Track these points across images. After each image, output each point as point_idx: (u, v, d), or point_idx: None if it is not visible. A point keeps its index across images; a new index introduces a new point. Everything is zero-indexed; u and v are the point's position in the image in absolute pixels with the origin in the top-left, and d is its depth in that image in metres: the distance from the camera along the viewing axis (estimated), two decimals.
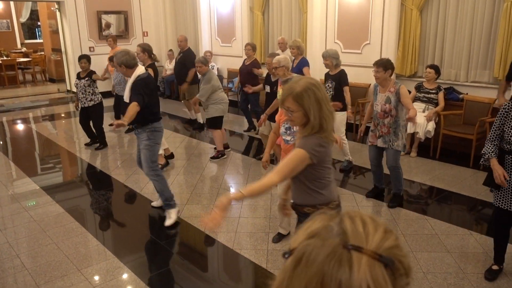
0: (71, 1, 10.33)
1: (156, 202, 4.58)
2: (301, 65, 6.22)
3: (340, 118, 5.29)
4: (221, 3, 9.82)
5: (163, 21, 11.56)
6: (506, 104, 3.04)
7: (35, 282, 3.29)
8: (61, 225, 4.27)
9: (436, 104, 5.89)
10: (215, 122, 5.93)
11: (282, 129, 3.57)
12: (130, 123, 3.96)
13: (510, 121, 2.99)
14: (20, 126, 8.61)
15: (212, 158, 6.07)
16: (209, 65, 5.90)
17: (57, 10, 10.82)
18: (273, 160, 4.77)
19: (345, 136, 5.50)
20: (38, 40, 16.37)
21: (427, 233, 3.92)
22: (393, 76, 4.58)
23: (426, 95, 5.96)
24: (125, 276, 3.39)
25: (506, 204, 3.06)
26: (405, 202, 4.73)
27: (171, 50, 10.31)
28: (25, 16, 15.83)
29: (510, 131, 2.98)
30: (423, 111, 5.93)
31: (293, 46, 6.32)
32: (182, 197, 4.82)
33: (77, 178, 5.78)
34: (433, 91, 5.93)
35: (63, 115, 9.59)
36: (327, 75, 5.47)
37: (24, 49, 15.37)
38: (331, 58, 5.25)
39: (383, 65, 4.21)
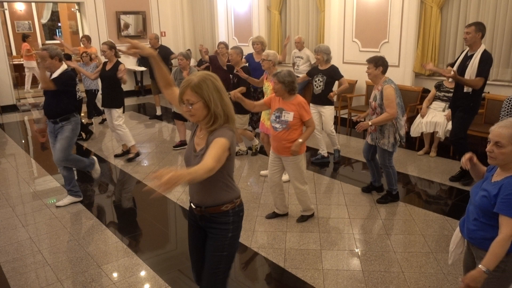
0: (90, 1, 10.50)
1: (62, 201, 4.74)
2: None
3: (329, 112, 5.67)
4: (238, 2, 9.84)
5: (180, 21, 11.64)
6: None
7: (57, 277, 3.36)
8: (81, 222, 4.34)
9: None
10: (180, 114, 6.19)
11: (272, 117, 3.91)
12: (56, 118, 4.45)
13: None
14: (40, 125, 8.78)
15: (175, 146, 6.65)
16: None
17: (77, 10, 11.02)
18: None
19: (333, 129, 5.83)
20: (58, 41, 16.66)
21: (447, 234, 3.86)
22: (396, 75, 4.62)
23: (446, 94, 5.87)
24: (144, 273, 3.43)
25: None
26: (424, 202, 4.68)
27: (189, 49, 10.39)
28: (46, 17, 16.10)
29: None
30: (443, 110, 5.84)
31: (256, 41, 6.52)
32: None
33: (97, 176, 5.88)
34: (454, 90, 5.83)
35: (82, 114, 9.73)
36: (316, 70, 5.67)
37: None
38: (322, 53, 5.46)
39: (374, 62, 4.21)
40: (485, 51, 4.55)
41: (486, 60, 4.52)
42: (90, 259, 3.61)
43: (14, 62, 12.03)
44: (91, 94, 7.94)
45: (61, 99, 4.43)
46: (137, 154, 6.27)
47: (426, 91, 6.56)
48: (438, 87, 6.02)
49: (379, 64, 4.20)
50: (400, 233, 3.95)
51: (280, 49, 9.16)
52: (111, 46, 5.89)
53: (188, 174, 1.83)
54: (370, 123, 4.20)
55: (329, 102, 5.62)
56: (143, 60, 9.88)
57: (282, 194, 4.24)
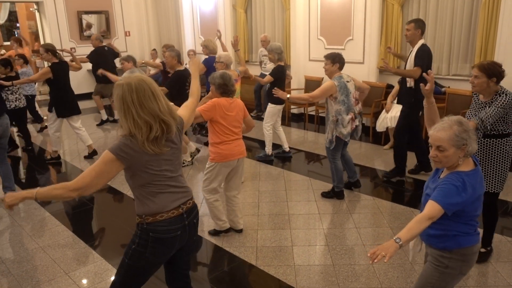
0: (50, 1, 10.17)
1: None
2: (209, 64, 6.17)
3: (270, 109, 5.77)
4: (203, 1, 9.77)
5: (145, 20, 11.46)
6: None
7: None
8: (46, 228, 4.20)
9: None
10: None
11: None
12: None
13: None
14: None
15: None
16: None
17: (36, 10, 10.63)
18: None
19: (270, 129, 5.84)
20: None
21: None
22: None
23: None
24: (113, 278, 3.36)
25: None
26: (391, 195, 4.80)
27: (154, 49, 10.22)
28: (3, 17, 15.47)
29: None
30: None
31: (202, 44, 6.48)
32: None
33: (60, 180, 5.71)
34: (399, 86, 6.00)
35: (45, 117, 9.42)
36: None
37: (3, 51, 15.05)
38: (273, 53, 5.62)
39: (332, 58, 4.31)
40: (422, 45, 4.70)
41: (422, 53, 4.65)
42: (57, 267, 3.50)
43: None
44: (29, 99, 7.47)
45: None
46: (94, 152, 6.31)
47: (390, 87, 6.72)
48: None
49: (336, 60, 4.29)
50: (368, 226, 4.03)
51: (246, 48, 9.17)
52: (47, 49, 5.78)
53: (33, 194, 1.97)
54: (288, 96, 4.42)
55: (271, 100, 5.70)
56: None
57: (231, 207, 3.98)
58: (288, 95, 4.40)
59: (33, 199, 2.00)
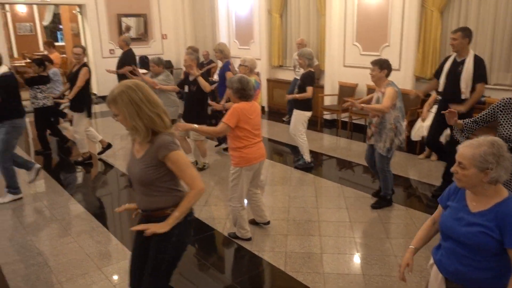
0: (92, 4, 10.52)
1: (1, 199, 4.84)
2: (225, 69, 6.21)
3: (298, 116, 5.57)
4: (239, 5, 9.87)
5: (182, 23, 11.67)
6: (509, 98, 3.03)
7: (57, 280, 3.35)
8: (82, 224, 4.34)
9: None
10: None
11: None
12: None
13: (508, 117, 2.96)
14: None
15: None
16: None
17: (78, 13, 11.04)
18: None
19: (304, 135, 5.66)
20: (60, 43, 16.70)
21: None
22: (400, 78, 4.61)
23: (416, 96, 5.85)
24: (149, 279, 3.42)
25: None
26: (425, 206, 4.68)
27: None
28: (47, 19, 16.16)
29: (508, 127, 2.97)
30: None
31: (216, 49, 6.41)
32: (200, 199, 4.85)
33: (98, 178, 5.88)
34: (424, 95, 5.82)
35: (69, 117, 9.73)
36: (300, 73, 5.83)
37: (46, 52, 15.67)
38: (304, 58, 5.46)
39: (379, 64, 4.20)
40: (476, 56, 4.55)
41: (482, 66, 4.51)
42: (90, 261, 3.60)
43: (15, 64, 12.04)
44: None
45: None
46: (88, 158, 6.26)
47: (427, 95, 6.55)
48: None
49: (384, 67, 4.20)
50: (400, 237, 3.95)
51: (281, 53, 9.18)
52: (84, 49, 6.01)
53: (180, 213, 2.19)
54: (362, 106, 4.17)
55: (299, 106, 5.55)
56: (143, 62, 9.83)
57: (254, 202, 4.06)
58: (363, 105, 4.18)
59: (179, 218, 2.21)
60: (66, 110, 7.53)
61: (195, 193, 2.19)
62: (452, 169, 1.91)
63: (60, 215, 4.53)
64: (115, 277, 3.39)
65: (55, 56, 8.67)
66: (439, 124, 4.94)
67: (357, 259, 3.61)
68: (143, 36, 11.36)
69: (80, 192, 5.29)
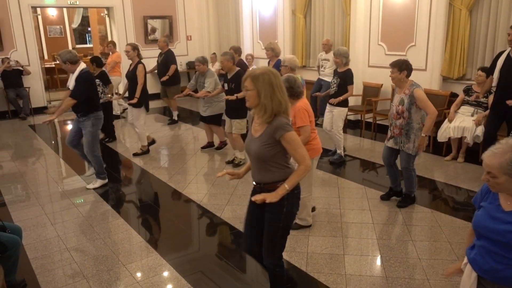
0: (119, 7, 10.75)
1: (92, 185, 5.33)
2: (275, 67, 6.24)
3: (339, 113, 5.86)
4: (263, 6, 9.89)
5: (206, 25, 11.78)
6: None
7: (83, 275, 3.44)
8: (107, 221, 4.44)
9: (486, 108, 5.63)
10: (218, 119, 6.42)
11: None
12: (76, 113, 5.00)
13: None
14: (70, 126, 9.01)
15: (217, 148, 6.78)
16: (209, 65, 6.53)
17: (106, 15, 11.29)
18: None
19: (341, 130, 6.00)
20: (88, 45, 17.12)
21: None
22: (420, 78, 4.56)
23: (476, 99, 5.73)
24: (167, 273, 3.48)
25: None
26: (451, 209, 4.58)
27: (214, 53, 10.48)
28: (76, 22, 16.59)
29: None
30: (472, 115, 5.71)
31: (267, 48, 6.74)
32: (222, 198, 4.89)
33: (122, 177, 6.00)
34: (483, 95, 5.69)
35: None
36: (335, 71, 5.98)
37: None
38: (341, 57, 5.67)
39: (398, 66, 4.15)
40: None
41: None
42: (115, 258, 3.68)
43: (45, 66, 12.40)
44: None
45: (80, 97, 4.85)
46: (147, 151, 6.67)
47: (454, 95, 6.42)
48: (467, 91, 5.88)
49: (403, 68, 4.14)
50: (425, 240, 3.87)
51: (304, 53, 9.14)
52: (134, 47, 6.22)
53: (290, 186, 2.47)
54: (424, 134, 4.14)
55: (341, 104, 5.79)
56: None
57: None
58: (424, 133, 4.14)
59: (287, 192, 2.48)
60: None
61: (303, 168, 2.47)
62: (483, 178, 1.90)
63: (86, 212, 4.64)
64: (139, 274, 3.45)
65: (116, 55, 9.20)
66: (495, 118, 4.88)
67: (379, 261, 3.56)
68: (169, 38, 11.51)
69: (104, 190, 5.40)
